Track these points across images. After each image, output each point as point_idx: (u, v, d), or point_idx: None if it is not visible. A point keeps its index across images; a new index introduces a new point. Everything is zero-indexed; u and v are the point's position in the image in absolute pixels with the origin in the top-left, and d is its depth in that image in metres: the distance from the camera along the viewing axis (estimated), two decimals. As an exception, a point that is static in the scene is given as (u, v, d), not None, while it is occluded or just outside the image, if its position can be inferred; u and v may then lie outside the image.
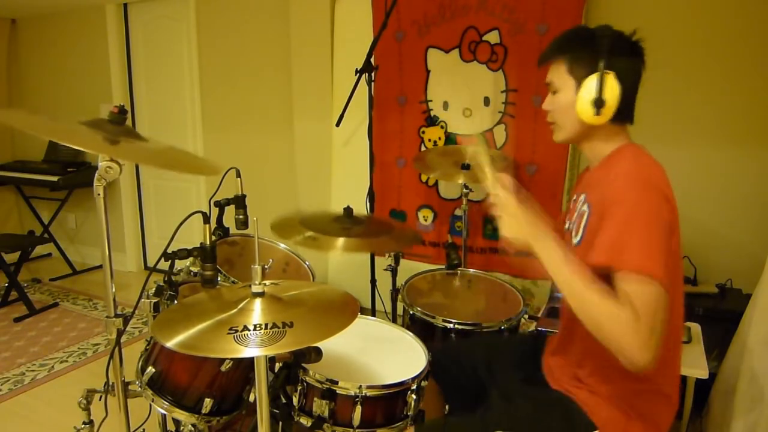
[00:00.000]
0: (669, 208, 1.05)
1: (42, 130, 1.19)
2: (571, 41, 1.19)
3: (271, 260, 1.24)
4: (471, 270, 2.19)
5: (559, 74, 1.19)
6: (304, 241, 1.58)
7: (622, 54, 1.13)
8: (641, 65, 1.16)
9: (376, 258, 2.36)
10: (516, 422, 1.21)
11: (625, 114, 1.16)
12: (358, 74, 2.21)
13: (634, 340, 0.97)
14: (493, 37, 2.47)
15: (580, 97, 1.13)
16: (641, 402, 1.15)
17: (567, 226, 1.29)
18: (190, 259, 1.55)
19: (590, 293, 1.02)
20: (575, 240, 1.19)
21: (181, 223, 1.38)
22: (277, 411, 1.32)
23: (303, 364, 1.31)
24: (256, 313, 1.06)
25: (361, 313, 1.42)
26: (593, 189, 1.18)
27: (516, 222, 1.14)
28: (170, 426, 1.73)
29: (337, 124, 2.30)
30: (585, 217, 1.16)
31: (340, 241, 1.59)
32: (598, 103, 1.11)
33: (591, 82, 1.11)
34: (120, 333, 1.36)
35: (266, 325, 1.02)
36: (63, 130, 1.28)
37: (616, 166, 1.14)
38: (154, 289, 1.49)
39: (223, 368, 1.41)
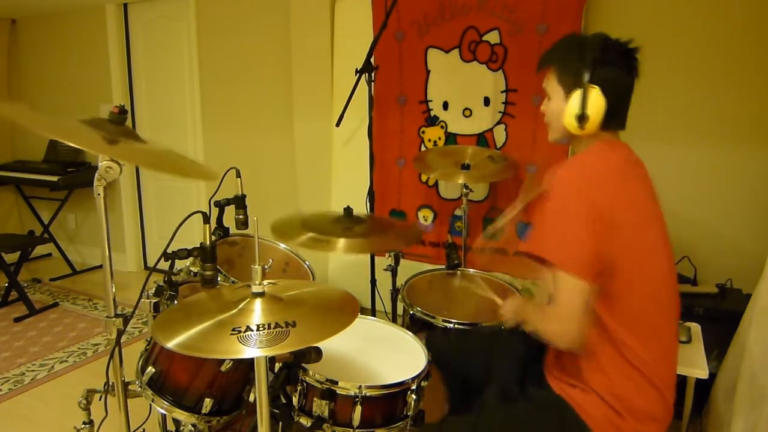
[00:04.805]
0: (592, 210, 1.10)
1: (43, 127, 1.18)
2: (560, 51, 1.25)
3: (271, 260, 1.24)
4: (471, 270, 2.19)
5: (549, 82, 1.26)
6: (307, 242, 1.58)
7: (610, 64, 1.16)
8: (632, 74, 1.19)
9: (376, 258, 2.36)
10: (509, 423, 1.22)
11: (613, 122, 1.21)
12: (358, 74, 2.21)
13: (553, 324, 1.14)
14: (493, 37, 2.47)
15: (566, 110, 1.20)
16: (634, 399, 1.15)
17: None
18: (190, 259, 1.55)
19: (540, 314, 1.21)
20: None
21: (181, 223, 1.38)
22: (277, 411, 1.32)
23: (303, 364, 1.31)
24: (257, 313, 1.06)
25: (361, 313, 1.42)
26: None
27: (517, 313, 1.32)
28: (170, 426, 1.73)
29: (337, 124, 2.30)
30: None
31: (342, 241, 1.59)
32: (581, 119, 1.17)
33: (575, 97, 1.17)
34: (120, 333, 1.37)
35: (269, 325, 1.02)
36: (63, 128, 1.28)
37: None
38: (154, 289, 1.49)
39: (223, 368, 1.41)
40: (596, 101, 1.15)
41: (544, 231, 1.15)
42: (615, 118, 1.20)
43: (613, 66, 1.16)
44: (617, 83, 1.17)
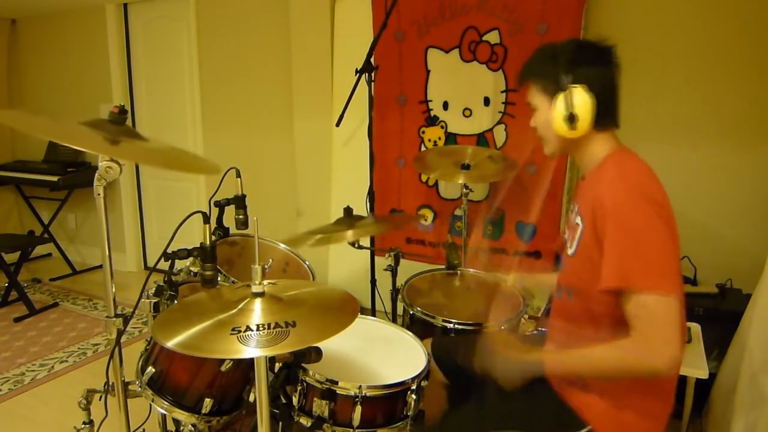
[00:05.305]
0: (662, 212, 1.06)
1: (43, 131, 1.19)
2: (537, 62, 1.23)
3: (271, 260, 1.24)
4: (471, 270, 2.19)
5: (533, 95, 1.24)
6: (317, 243, 1.62)
7: (589, 64, 1.15)
8: (613, 70, 1.17)
9: (376, 258, 2.36)
10: (509, 420, 1.22)
11: (606, 120, 1.18)
12: (358, 74, 2.21)
13: (646, 356, 1.00)
14: (493, 37, 2.47)
15: (553, 116, 1.17)
16: (636, 396, 1.15)
17: (566, 235, 1.30)
18: (190, 259, 1.55)
19: (593, 358, 1.08)
20: (570, 251, 1.22)
21: (181, 223, 1.38)
22: (277, 411, 1.32)
23: (303, 364, 1.31)
24: (257, 313, 1.06)
25: (361, 313, 1.42)
26: (583, 200, 1.21)
27: (513, 370, 1.18)
28: (170, 426, 1.73)
29: (337, 124, 2.30)
30: (579, 231, 1.18)
31: (349, 232, 1.67)
32: (571, 119, 1.14)
33: (560, 100, 1.15)
34: (120, 333, 1.37)
35: (269, 325, 1.01)
36: (63, 131, 1.28)
37: (602, 177, 1.15)
38: (154, 289, 1.49)
39: (223, 368, 1.41)
40: (582, 99, 1.13)
41: (616, 255, 1.05)
42: (606, 115, 1.17)
43: (591, 63, 1.15)
44: (600, 78, 1.15)
